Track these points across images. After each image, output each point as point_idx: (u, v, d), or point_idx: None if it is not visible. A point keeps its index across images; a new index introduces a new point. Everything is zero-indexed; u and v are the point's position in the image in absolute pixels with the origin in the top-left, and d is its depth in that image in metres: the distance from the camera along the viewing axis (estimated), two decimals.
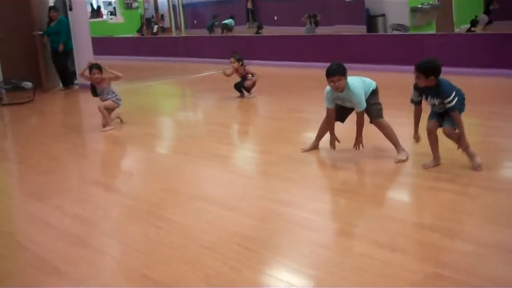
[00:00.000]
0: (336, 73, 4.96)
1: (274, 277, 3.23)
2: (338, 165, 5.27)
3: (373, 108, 5.17)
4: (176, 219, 4.12)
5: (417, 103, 4.83)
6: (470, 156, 4.70)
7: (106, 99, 7.29)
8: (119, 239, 3.93)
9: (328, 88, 5.17)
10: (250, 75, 9.00)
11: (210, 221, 4.03)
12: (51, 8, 11.51)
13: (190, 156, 5.98)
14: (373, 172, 4.99)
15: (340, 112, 5.36)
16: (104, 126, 7.28)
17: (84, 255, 3.65)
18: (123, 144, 6.95)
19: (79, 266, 3.50)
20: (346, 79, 5.01)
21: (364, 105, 5.08)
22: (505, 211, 3.84)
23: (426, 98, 4.72)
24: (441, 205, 4.04)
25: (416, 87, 4.76)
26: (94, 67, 7.31)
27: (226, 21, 18.25)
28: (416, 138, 4.90)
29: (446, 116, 4.68)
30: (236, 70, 8.99)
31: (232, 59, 8.95)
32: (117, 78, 7.34)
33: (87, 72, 7.46)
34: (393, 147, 5.18)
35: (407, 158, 5.05)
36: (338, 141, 5.40)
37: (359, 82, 5.13)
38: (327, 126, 5.46)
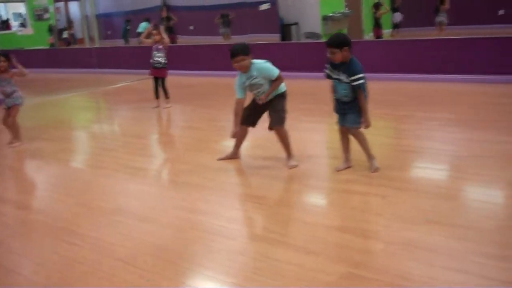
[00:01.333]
0: (239, 54, 5.00)
1: (192, 287, 3.21)
2: (255, 173, 5.30)
3: (277, 115, 5.20)
4: (90, 234, 4.03)
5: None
6: (369, 157, 4.90)
7: (5, 91, 7.03)
8: (31, 257, 3.79)
9: (237, 77, 5.21)
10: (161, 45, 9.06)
11: (125, 234, 3.97)
12: None
13: (105, 169, 5.86)
14: (288, 177, 5.06)
15: (251, 116, 5.36)
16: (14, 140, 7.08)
17: None
18: (36, 160, 6.71)
19: None
20: (250, 58, 5.05)
21: (276, 71, 5.09)
22: (413, 209, 3.98)
23: (335, 73, 4.75)
24: (352, 207, 4.15)
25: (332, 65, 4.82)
26: (1, 54, 7.05)
27: (140, 29, 17.94)
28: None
29: (347, 115, 4.82)
30: (156, 41, 9.05)
31: (155, 31, 9.03)
32: (21, 74, 7.07)
33: None
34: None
35: (297, 163, 5.21)
36: (236, 136, 5.40)
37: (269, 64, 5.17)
38: (243, 134, 5.48)
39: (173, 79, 9.38)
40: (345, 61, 4.70)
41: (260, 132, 5.48)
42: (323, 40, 12.90)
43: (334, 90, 4.85)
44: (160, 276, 3.28)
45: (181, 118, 8.79)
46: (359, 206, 4.16)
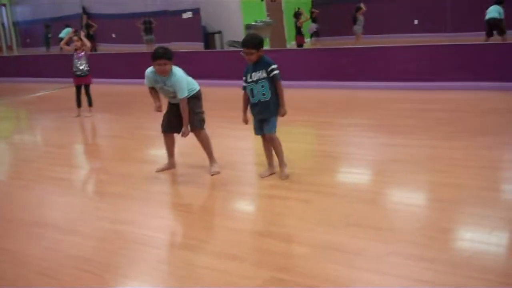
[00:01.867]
0: (163, 57, 4.98)
1: None
2: (180, 180, 5.31)
3: (196, 118, 5.21)
4: (10, 247, 3.91)
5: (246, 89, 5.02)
6: (281, 163, 5.03)
7: None
8: None
9: (149, 69, 5.17)
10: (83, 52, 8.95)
11: (47, 247, 3.88)
12: None
13: (25, 181, 5.70)
14: (213, 184, 5.09)
15: (171, 123, 5.33)
16: None
17: None
18: None
19: None
20: (171, 64, 5.05)
21: (186, 92, 5.09)
22: (335, 213, 4.10)
23: (251, 77, 4.89)
24: (276, 212, 4.24)
25: (246, 72, 4.94)
26: None
27: (62, 35, 17.52)
28: (245, 120, 5.05)
29: (264, 123, 4.93)
30: (77, 48, 8.90)
31: (76, 37, 8.90)
32: None
33: None
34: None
35: (220, 170, 5.28)
36: (160, 110, 5.36)
37: (183, 73, 5.17)
38: (170, 141, 5.44)
39: (94, 87, 9.22)
40: (258, 60, 4.85)
41: (185, 139, 5.48)
42: None
43: (252, 95, 4.93)
44: None
45: (104, 127, 8.66)
46: (283, 211, 4.25)
